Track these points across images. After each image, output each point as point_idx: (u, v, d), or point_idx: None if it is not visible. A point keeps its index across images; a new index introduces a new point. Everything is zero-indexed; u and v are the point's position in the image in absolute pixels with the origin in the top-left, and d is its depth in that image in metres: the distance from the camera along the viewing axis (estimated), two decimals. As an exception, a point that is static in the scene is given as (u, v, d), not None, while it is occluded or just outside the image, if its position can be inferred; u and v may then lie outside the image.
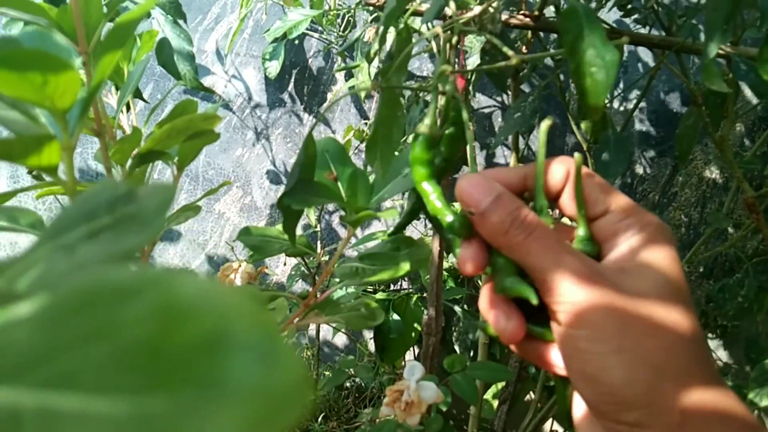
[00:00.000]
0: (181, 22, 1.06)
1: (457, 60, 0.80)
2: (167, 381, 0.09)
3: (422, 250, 0.40)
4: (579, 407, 0.34)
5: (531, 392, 1.33)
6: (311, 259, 1.36)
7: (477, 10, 0.43)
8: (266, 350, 0.09)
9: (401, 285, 1.54)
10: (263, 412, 0.09)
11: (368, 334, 1.61)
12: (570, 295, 0.30)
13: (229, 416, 0.08)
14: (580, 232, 0.34)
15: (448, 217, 0.36)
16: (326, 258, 1.53)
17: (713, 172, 1.32)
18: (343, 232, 1.60)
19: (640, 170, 1.37)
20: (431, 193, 0.37)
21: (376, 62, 1.30)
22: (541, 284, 0.31)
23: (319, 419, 1.43)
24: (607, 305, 0.30)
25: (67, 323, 0.10)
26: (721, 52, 0.74)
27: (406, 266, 0.38)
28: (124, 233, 0.15)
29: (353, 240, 1.41)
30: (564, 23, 0.42)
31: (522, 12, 0.79)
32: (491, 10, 0.51)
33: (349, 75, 1.48)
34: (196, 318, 0.10)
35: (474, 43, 0.97)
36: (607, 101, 1.30)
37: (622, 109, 1.34)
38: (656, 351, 0.29)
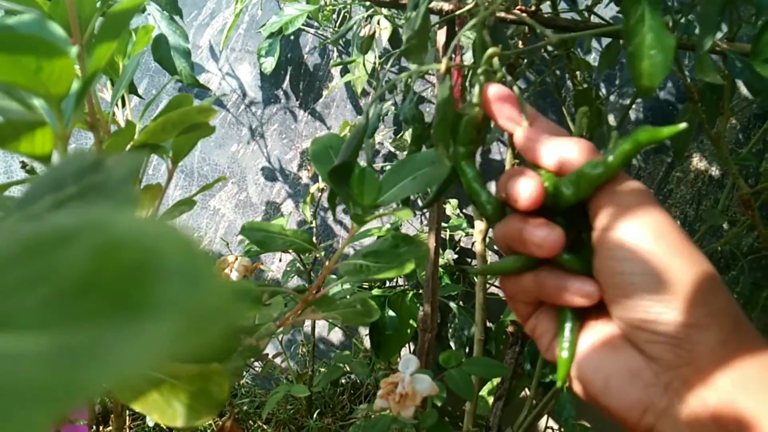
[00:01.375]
0: (177, 18, 1.06)
1: (454, 55, 0.80)
2: (94, 312, 0.09)
3: (420, 248, 0.40)
4: (592, 338, 0.34)
5: (526, 389, 1.34)
6: (307, 255, 1.35)
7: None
8: (192, 273, 0.10)
9: (397, 281, 1.54)
10: (187, 329, 0.09)
11: (364, 331, 1.60)
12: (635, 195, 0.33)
13: (154, 336, 0.09)
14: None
15: (483, 197, 0.39)
16: (322, 253, 1.53)
17: (709, 169, 1.32)
18: (338, 229, 1.60)
19: (635, 167, 1.37)
20: (469, 173, 0.40)
21: (371, 57, 1.30)
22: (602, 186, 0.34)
23: (314, 415, 1.43)
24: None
25: (9, 270, 0.10)
26: (717, 48, 0.74)
27: (411, 265, 0.39)
28: (91, 202, 0.15)
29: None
30: (627, 7, 0.43)
31: (519, 7, 0.79)
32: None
33: (344, 71, 1.47)
34: (128, 251, 0.10)
35: (470, 38, 0.97)
36: (602, 96, 1.30)
37: (618, 105, 1.34)
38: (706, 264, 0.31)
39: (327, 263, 0.45)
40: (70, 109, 0.28)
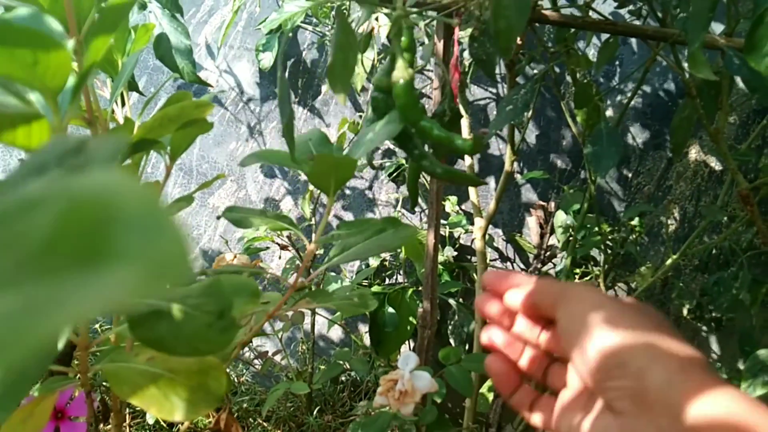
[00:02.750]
0: (178, 15, 1.05)
1: (452, 50, 0.80)
2: (58, 268, 0.10)
3: (407, 230, 0.40)
4: (569, 402, 0.39)
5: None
6: (306, 252, 1.35)
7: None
8: (151, 224, 0.10)
9: (396, 279, 1.54)
10: (147, 276, 0.09)
11: (363, 328, 1.60)
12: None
13: (114, 284, 0.09)
14: None
15: (458, 141, 0.41)
16: (322, 251, 1.53)
17: (708, 165, 1.32)
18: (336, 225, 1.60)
19: (635, 163, 1.37)
20: (432, 126, 0.41)
21: (370, 54, 1.30)
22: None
23: (314, 413, 1.43)
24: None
25: None
26: (715, 43, 0.74)
27: (378, 225, 0.39)
28: None
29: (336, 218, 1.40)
30: None
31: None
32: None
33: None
34: (90, 209, 0.10)
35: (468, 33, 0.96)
36: (602, 93, 1.30)
37: (617, 101, 1.34)
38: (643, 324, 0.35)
39: (312, 244, 0.44)
40: (66, 102, 0.28)
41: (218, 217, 1.64)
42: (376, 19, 1.27)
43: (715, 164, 1.31)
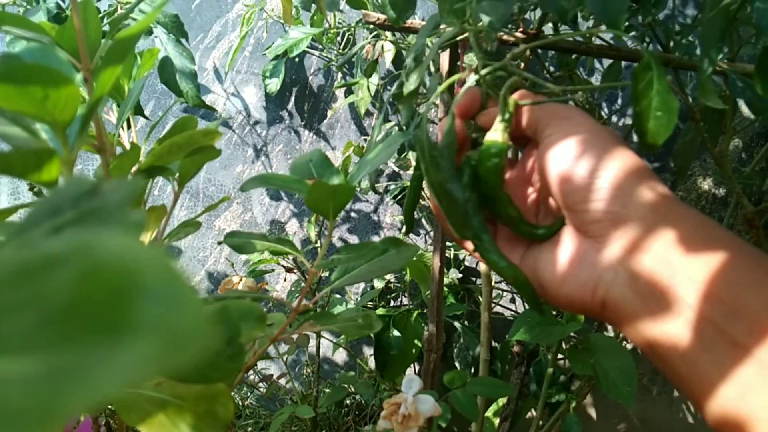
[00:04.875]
0: (183, 40, 1.07)
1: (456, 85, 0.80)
2: (78, 335, 0.10)
3: (410, 251, 0.40)
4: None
5: (533, 410, 1.33)
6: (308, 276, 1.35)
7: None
8: (172, 295, 0.10)
9: (401, 301, 1.54)
10: (166, 348, 0.09)
11: (368, 351, 1.60)
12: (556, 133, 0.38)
13: (134, 355, 0.09)
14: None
15: (532, 228, 0.40)
16: (327, 274, 1.53)
17: (712, 188, 1.32)
18: (343, 249, 1.60)
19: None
20: (508, 200, 0.41)
21: (375, 78, 1.31)
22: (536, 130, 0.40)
23: (319, 437, 1.42)
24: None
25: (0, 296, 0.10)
26: (717, 68, 0.74)
27: (379, 247, 0.39)
28: (87, 227, 0.16)
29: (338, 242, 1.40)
30: (637, 72, 0.48)
31: (520, 30, 0.80)
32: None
33: (348, 92, 1.49)
34: (111, 273, 0.10)
35: (473, 61, 0.97)
36: (605, 116, 1.30)
37: (620, 125, 1.34)
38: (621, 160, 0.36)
39: (313, 268, 0.44)
40: (75, 134, 0.29)
41: (219, 243, 1.64)
42: (381, 47, 1.28)
43: (719, 189, 1.31)
